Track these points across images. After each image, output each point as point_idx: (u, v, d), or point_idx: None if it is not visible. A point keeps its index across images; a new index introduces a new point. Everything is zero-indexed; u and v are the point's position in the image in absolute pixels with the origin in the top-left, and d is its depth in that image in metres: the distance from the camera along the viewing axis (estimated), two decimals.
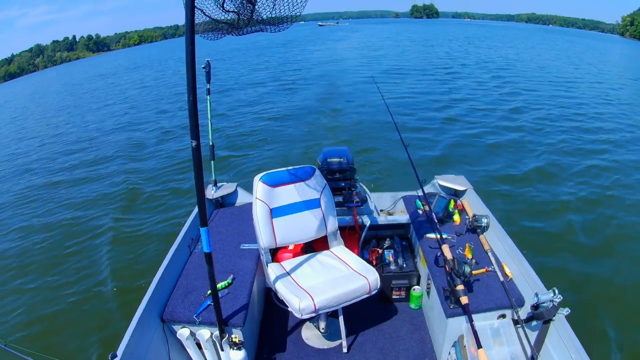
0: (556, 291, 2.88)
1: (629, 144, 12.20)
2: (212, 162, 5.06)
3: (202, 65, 4.53)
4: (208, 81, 4.71)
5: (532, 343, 3.08)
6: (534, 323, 3.15)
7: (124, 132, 16.62)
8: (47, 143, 17.03)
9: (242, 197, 5.15)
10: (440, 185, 4.99)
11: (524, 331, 3.12)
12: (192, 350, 3.45)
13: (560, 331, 2.90)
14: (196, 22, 2.35)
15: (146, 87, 29.77)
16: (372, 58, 35.15)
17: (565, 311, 2.88)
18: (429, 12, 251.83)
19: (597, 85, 22.20)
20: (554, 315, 2.92)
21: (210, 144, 4.99)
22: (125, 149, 14.13)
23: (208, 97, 4.79)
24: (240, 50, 49.31)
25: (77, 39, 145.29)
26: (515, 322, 3.28)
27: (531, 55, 36.77)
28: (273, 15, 2.38)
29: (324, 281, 3.51)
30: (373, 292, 3.50)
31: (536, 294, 2.95)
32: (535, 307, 2.98)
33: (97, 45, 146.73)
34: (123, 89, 30.99)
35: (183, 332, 3.35)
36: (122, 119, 19.12)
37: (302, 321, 4.30)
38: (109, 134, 16.54)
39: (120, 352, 2.74)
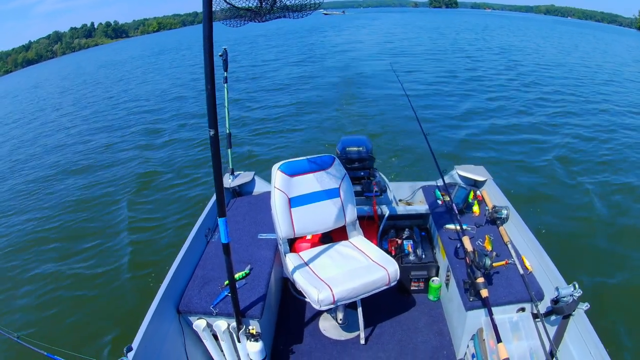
0: (576, 285, 2.83)
1: None
2: (229, 150, 5.04)
3: (219, 53, 4.46)
4: (225, 69, 4.68)
5: (552, 338, 3.03)
6: (553, 317, 3.09)
7: (148, 115, 16.87)
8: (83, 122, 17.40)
9: (260, 186, 5.13)
10: (460, 176, 4.94)
11: (544, 325, 3.06)
12: (208, 342, 3.44)
13: (580, 326, 2.85)
14: (217, 9, 2.32)
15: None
16: (392, 46, 34.96)
17: (585, 306, 2.83)
18: (448, 2, 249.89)
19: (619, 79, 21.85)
20: (573, 310, 2.87)
21: (228, 132, 4.97)
22: (143, 135, 14.25)
23: (225, 86, 4.78)
24: (260, 37, 49.21)
25: (96, 26, 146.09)
26: (535, 316, 3.22)
27: (556, 47, 36.28)
28: (295, 2, 2.35)
29: (343, 272, 3.47)
30: (392, 284, 3.48)
31: (556, 288, 2.90)
32: (555, 301, 2.92)
33: (116, 32, 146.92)
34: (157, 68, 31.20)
35: (199, 324, 3.34)
36: (144, 104, 19.33)
37: (320, 312, 4.27)
38: (136, 116, 16.88)
39: (135, 344, 2.71)
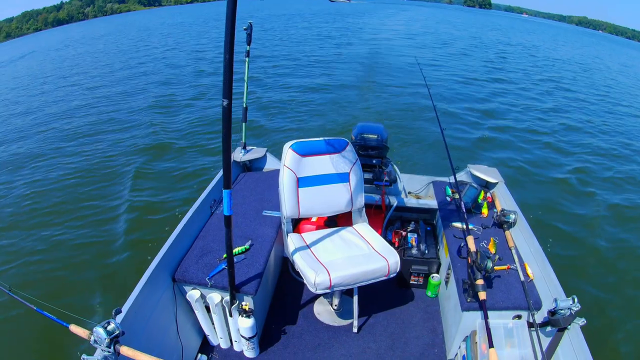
0: (575, 299, 2.77)
1: None
2: (243, 124, 4.97)
3: (244, 27, 4.43)
4: (248, 43, 4.60)
5: (544, 349, 2.97)
6: (548, 329, 3.04)
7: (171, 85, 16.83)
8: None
9: (271, 163, 5.09)
10: (473, 175, 4.87)
11: (537, 336, 3.00)
12: (200, 313, 3.43)
13: (574, 341, 2.79)
14: None
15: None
16: (418, 40, 34.69)
17: (582, 321, 2.76)
18: (482, 3, 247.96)
19: None
20: (569, 324, 2.80)
21: (244, 106, 4.91)
22: (162, 103, 14.25)
23: (247, 59, 4.72)
24: (285, 17, 49.07)
25: None
26: (530, 325, 3.17)
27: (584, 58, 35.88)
28: None
29: (343, 257, 3.42)
30: (392, 275, 3.42)
31: (555, 300, 2.84)
32: (552, 312, 2.87)
33: None
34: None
35: (193, 294, 3.32)
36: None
37: (316, 296, 4.26)
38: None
39: (125, 308, 2.70)
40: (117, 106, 14.27)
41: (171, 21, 57.28)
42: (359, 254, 3.48)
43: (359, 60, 22.03)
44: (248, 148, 5.04)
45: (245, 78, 4.81)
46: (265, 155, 5.08)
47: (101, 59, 26.49)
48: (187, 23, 50.64)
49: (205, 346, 3.71)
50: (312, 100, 14.18)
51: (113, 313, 2.36)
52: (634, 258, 6.79)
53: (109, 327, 2.20)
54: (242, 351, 3.63)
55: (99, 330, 2.16)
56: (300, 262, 3.36)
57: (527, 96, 16.77)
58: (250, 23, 4.50)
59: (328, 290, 3.23)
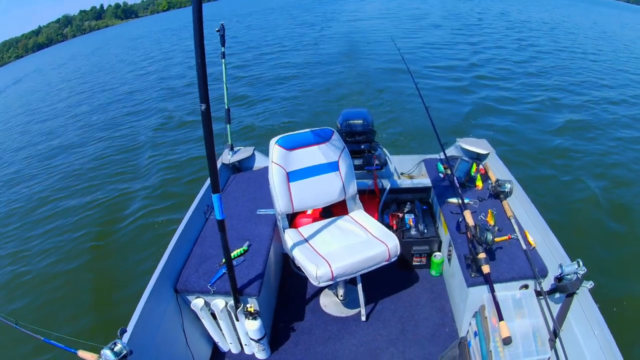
0: (580, 263, 2.72)
1: None
2: (228, 126, 4.91)
3: (217, 29, 4.40)
4: (223, 44, 4.55)
5: (555, 317, 2.93)
6: (556, 295, 2.99)
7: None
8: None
9: (260, 161, 5.02)
10: (463, 149, 4.82)
11: (547, 304, 2.96)
12: (206, 321, 3.38)
13: (584, 305, 2.74)
14: None
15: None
16: (394, 19, 34.38)
17: (589, 284, 2.72)
18: None
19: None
20: (577, 289, 2.75)
21: (226, 107, 4.86)
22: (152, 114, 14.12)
23: (223, 61, 4.65)
24: (259, 13, 48.79)
25: (105, 8, 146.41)
26: (538, 294, 3.13)
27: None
28: None
29: (342, 247, 3.37)
30: (393, 260, 3.38)
31: (560, 265, 2.80)
32: (559, 279, 2.82)
33: (125, 12, 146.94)
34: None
35: (197, 303, 3.26)
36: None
37: (321, 288, 4.22)
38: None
39: (131, 326, 2.64)
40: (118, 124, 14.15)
41: (157, 28, 57.04)
42: (358, 242, 3.43)
43: (339, 46, 21.91)
44: (235, 149, 4.96)
45: (224, 79, 4.74)
46: (253, 154, 5.01)
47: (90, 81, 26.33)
48: (173, 29, 50.28)
49: (217, 353, 3.67)
50: (295, 92, 14.06)
51: (119, 333, 2.36)
52: (631, 213, 6.75)
53: (116, 348, 2.20)
54: (253, 354, 3.59)
55: (107, 353, 2.16)
56: (300, 256, 3.31)
57: (506, 62, 16.68)
58: (222, 24, 4.46)
59: (331, 282, 3.19)
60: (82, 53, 45.50)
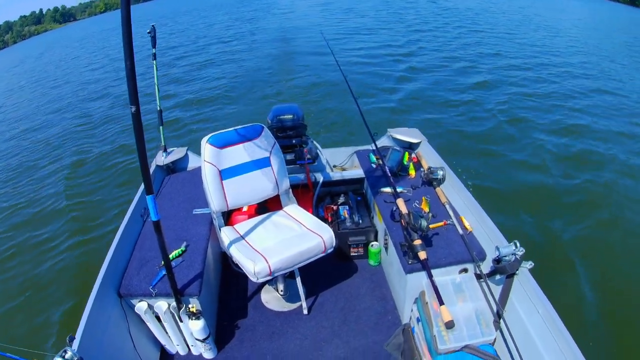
0: (517, 244, 2.71)
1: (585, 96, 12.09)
2: (160, 127, 4.78)
3: (148, 31, 4.29)
4: (154, 46, 4.42)
5: (497, 298, 2.94)
6: (497, 277, 3.01)
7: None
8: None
9: (193, 161, 4.91)
10: (394, 139, 4.83)
11: (487, 286, 2.96)
12: (151, 324, 3.26)
13: (525, 285, 2.77)
14: None
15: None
16: (326, 9, 34.69)
17: (529, 264, 2.73)
18: None
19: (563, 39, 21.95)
20: (517, 269, 2.76)
21: (159, 109, 4.72)
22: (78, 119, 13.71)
23: (154, 62, 4.51)
24: (188, 12, 48.21)
25: (44, 12, 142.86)
26: (478, 277, 3.15)
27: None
28: None
29: (278, 242, 3.36)
30: (329, 251, 3.38)
31: (497, 247, 2.78)
32: (497, 260, 2.81)
33: (63, 16, 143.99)
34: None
35: (141, 306, 3.16)
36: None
37: (261, 285, 4.16)
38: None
39: (79, 333, 2.55)
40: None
41: (96, 28, 55.76)
42: (293, 236, 3.42)
43: (271, 41, 21.91)
44: (169, 150, 4.85)
45: (156, 81, 4.60)
46: (186, 154, 4.92)
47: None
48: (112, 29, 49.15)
49: (165, 356, 3.59)
50: (226, 90, 13.99)
51: (67, 340, 2.32)
52: (567, 194, 6.91)
53: (67, 356, 2.19)
54: (200, 354, 3.52)
55: None
56: (237, 253, 3.27)
57: (438, 53, 16.87)
58: (153, 26, 4.33)
59: (270, 277, 3.16)
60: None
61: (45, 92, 19.29)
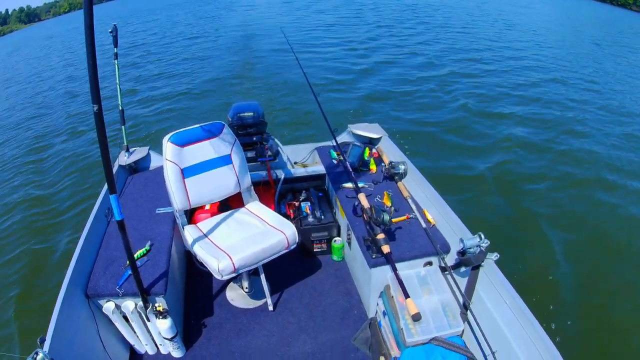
0: (482, 236, 2.73)
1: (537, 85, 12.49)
2: (122, 127, 4.69)
3: (110, 30, 4.23)
4: (115, 45, 4.37)
5: (463, 290, 2.96)
6: (462, 269, 3.01)
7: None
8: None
9: (156, 161, 4.84)
10: (354, 134, 4.85)
11: (453, 278, 2.99)
12: (119, 324, 3.22)
13: (491, 276, 2.77)
14: None
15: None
16: (288, 4, 34.83)
17: (494, 256, 2.74)
18: None
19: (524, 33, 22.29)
20: (482, 261, 2.78)
21: (120, 108, 4.62)
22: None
23: (116, 62, 4.46)
24: (149, 12, 47.63)
25: (10, 12, 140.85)
26: (443, 270, 3.15)
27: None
28: None
29: (241, 239, 3.35)
30: (292, 247, 3.39)
31: (461, 239, 2.80)
32: (462, 253, 2.83)
33: (29, 16, 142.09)
34: None
35: (108, 306, 3.11)
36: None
37: (226, 282, 4.13)
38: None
39: (49, 334, 2.50)
40: None
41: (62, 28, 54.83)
42: (256, 232, 3.42)
43: (232, 39, 21.90)
44: (131, 150, 4.78)
45: (117, 80, 4.54)
46: (148, 153, 4.85)
47: None
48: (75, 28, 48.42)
49: (134, 356, 3.53)
50: (187, 88, 13.85)
51: (38, 342, 2.32)
52: (530, 182, 7.00)
53: (38, 358, 2.17)
54: (169, 353, 3.48)
55: None
56: (201, 251, 3.27)
57: (398, 52, 16.85)
58: (115, 25, 4.28)
59: (234, 274, 3.16)
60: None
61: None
